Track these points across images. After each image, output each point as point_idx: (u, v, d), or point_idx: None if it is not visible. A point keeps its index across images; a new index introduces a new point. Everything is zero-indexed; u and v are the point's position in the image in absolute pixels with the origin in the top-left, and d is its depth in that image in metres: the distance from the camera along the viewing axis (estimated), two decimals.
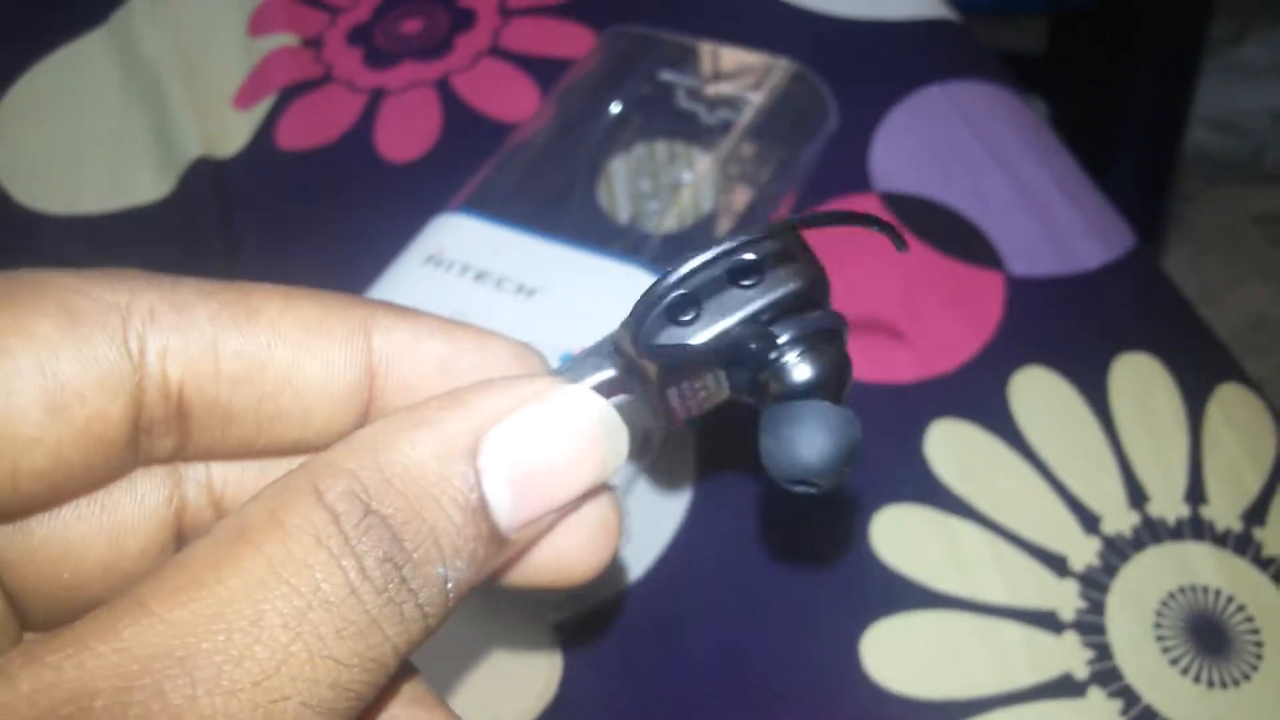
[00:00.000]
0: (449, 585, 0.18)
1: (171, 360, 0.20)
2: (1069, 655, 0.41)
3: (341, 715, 0.17)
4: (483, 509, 0.19)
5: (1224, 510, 0.44)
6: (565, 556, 0.22)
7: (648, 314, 0.21)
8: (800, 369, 0.21)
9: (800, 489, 0.21)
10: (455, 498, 0.19)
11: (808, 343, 0.21)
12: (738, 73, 0.58)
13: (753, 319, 0.21)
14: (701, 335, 0.21)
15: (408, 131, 0.61)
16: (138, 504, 0.21)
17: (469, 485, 0.19)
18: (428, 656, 0.21)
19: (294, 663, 0.16)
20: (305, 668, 0.16)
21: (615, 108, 0.57)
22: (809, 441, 0.20)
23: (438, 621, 0.18)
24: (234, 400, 0.21)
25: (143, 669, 0.15)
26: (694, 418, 0.24)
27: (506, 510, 0.19)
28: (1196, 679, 0.40)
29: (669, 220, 0.52)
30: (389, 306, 0.23)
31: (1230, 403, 0.46)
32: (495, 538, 0.19)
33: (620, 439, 0.22)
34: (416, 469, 0.18)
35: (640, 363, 0.22)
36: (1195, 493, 0.44)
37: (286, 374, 0.22)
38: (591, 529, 0.22)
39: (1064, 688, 0.40)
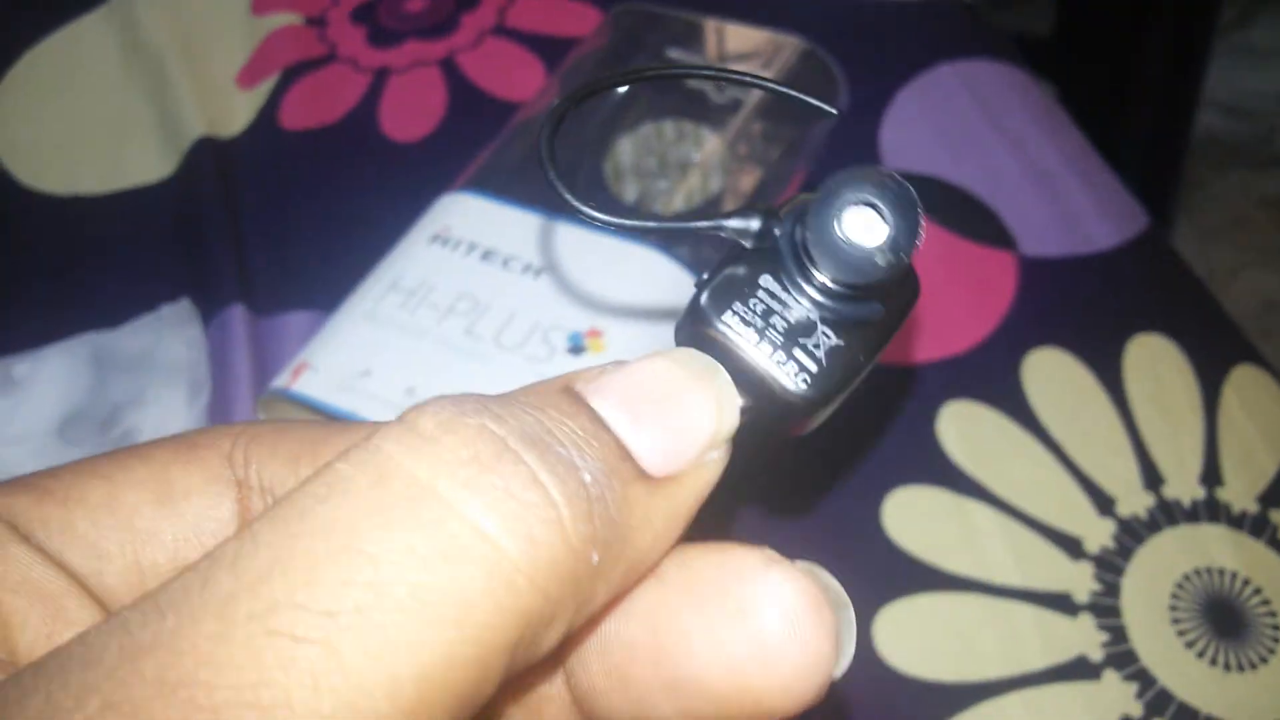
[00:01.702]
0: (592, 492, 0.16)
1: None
2: (1083, 638, 0.40)
3: None
4: (602, 427, 0.17)
5: (1240, 492, 0.43)
6: (756, 679, 0.17)
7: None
8: None
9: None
10: (565, 417, 0.17)
11: None
12: (746, 51, 0.58)
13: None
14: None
15: (412, 111, 0.60)
16: None
17: (574, 406, 0.17)
18: None
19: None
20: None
21: (622, 86, 0.56)
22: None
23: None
24: None
25: None
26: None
27: (627, 427, 0.17)
28: (1213, 662, 0.39)
29: (677, 200, 0.52)
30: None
31: (1246, 385, 0.46)
32: (634, 467, 0.17)
33: (725, 381, 0.19)
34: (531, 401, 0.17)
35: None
36: (1211, 475, 0.44)
37: None
38: (793, 624, 0.17)
39: (1078, 670, 0.39)
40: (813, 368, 0.20)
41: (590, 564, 0.16)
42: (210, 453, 0.21)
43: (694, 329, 0.21)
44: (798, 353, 0.20)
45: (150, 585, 0.20)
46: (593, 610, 0.17)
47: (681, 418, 0.18)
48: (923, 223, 0.20)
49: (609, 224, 0.22)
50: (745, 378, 0.20)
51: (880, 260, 0.19)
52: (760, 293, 0.21)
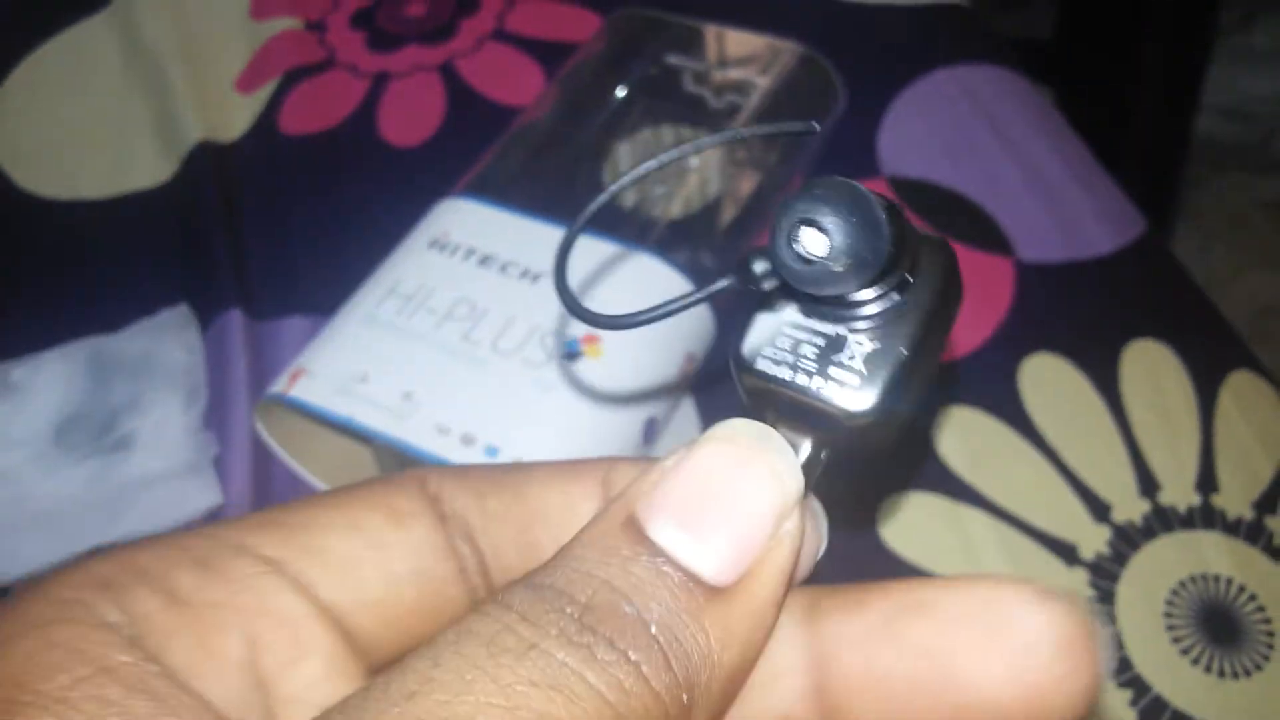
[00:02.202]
0: (673, 653, 0.17)
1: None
2: None
3: None
4: (662, 561, 0.18)
5: (1236, 499, 0.43)
6: (1032, 704, 0.18)
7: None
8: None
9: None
10: (627, 563, 0.18)
11: None
12: (745, 56, 0.58)
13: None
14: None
15: (411, 115, 0.60)
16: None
17: (633, 546, 0.18)
18: None
19: None
20: None
21: (621, 91, 0.56)
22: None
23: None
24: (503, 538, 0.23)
25: None
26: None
27: (687, 548, 0.18)
28: (1207, 669, 0.40)
29: (675, 205, 0.52)
30: (625, 461, 0.23)
31: (1242, 391, 0.46)
32: (703, 589, 0.18)
33: (779, 447, 0.19)
34: (585, 565, 0.18)
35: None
36: (1207, 481, 0.44)
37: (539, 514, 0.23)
38: (1070, 654, 0.18)
39: None
40: (854, 381, 0.20)
41: (682, 703, 0.17)
42: (411, 483, 0.23)
43: (741, 389, 0.21)
44: (834, 371, 0.20)
45: (393, 603, 0.22)
46: None
47: (741, 513, 0.18)
48: (877, 208, 0.19)
49: (631, 323, 0.22)
50: (803, 415, 0.20)
51: (838, 268, 0.19)
52: (785, 327, 0.21)
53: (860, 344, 0.20)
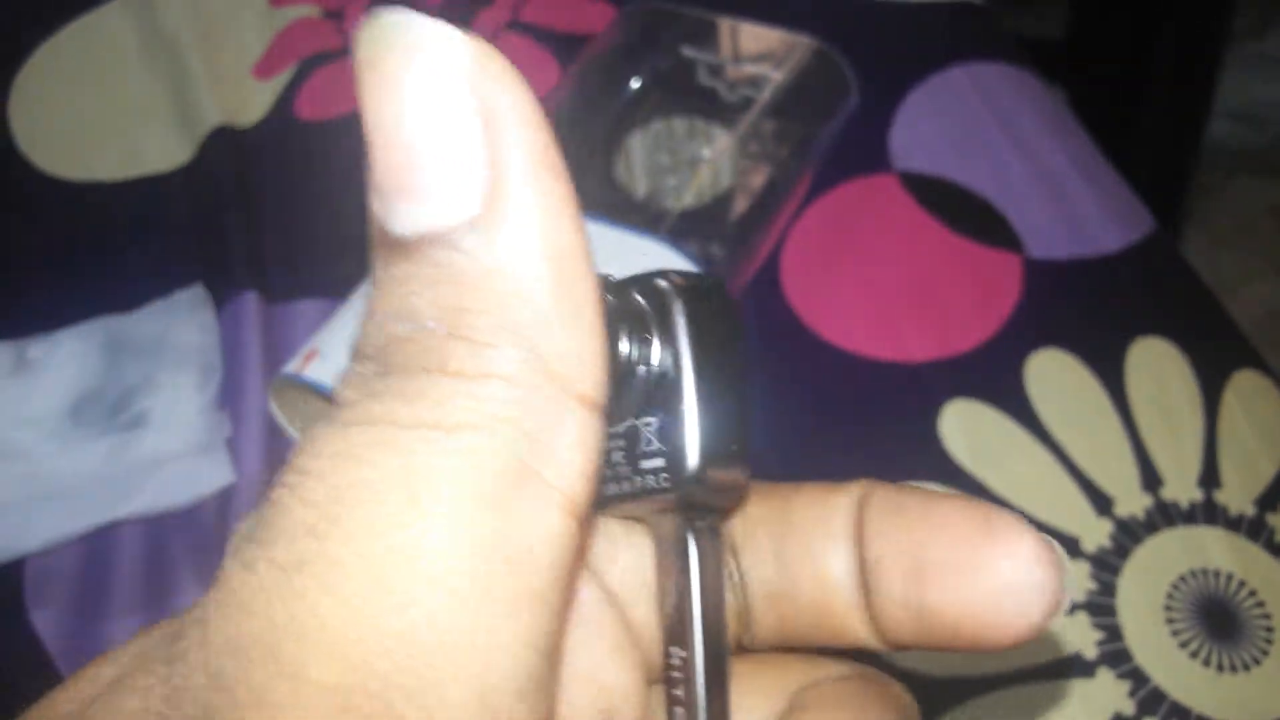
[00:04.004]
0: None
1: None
2: (1079, 636, 0.41)
3: None
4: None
5: (1238, 495, 0.43)
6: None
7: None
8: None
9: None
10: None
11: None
12: (759, 50, 0.58)
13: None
14: None
15: None
16: None
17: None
18: None
19: None
20: None
21: (635, 83, 0.57)
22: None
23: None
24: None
25: None
26: None
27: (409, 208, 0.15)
28: (1206, 662, 0.40)
29: (687, 196, 0.52)
30: (882, 485, 0.23)
31: (1246, 389, 0.46)
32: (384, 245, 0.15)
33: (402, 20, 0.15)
34: None
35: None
36: (1209, 477, 0.44)
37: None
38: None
39: (1073, 668, 0.40)
40: (660, 463, 0.19)
41: (515, 361, 0.14)
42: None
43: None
44: (644, 464, 0.19)
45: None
46: (582, 357, 0.15)
47: (429, 138, 0.15)
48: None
49: None
50: (656, 513, 0.20)
51: None
52: (607, 445, 0.20)
53: (649, 425, 0.19)
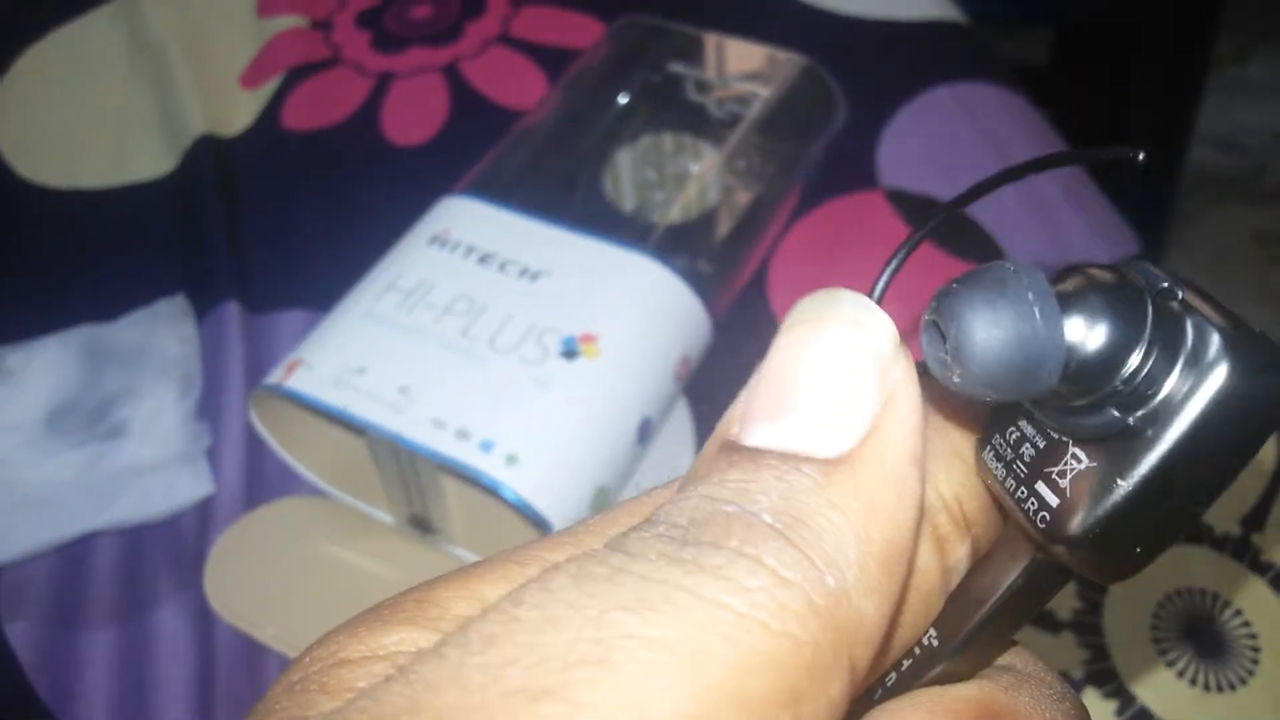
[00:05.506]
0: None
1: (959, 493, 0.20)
2: (1065, 655, 0.40)
3: None
4: (762, 457, 0.16)
5: (1223, 515, 0.43)
6: None
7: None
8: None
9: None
10: (723, 475, 0.16)
11: None
12: (748, 67, 0.58)
13: None
14: None
15: (415, 115, 0.61)
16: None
17: (729, 458, 0.16)
18: None
19: None
20: None
21: (623, 98, 0.57)
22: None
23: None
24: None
25: None
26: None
27: (784, 435, 0.16)
28: (1192, 682, 0.40)
29: (674, 211, 0.52)
30: None
31: None
32: (816, 465, 0.15)
33: (847, 299, 0.17)
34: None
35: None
36: None
37: None
38: None
39: None
40: (1053, 501, 0.16)
41: (827, 586, 0.14)
42: None
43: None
44: (1040, 486, 0.17)
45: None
46: (868, 635, 0.15)
47: (829, 377, 0.16)
48: (1033, 313, 0.15)
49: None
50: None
51: (957, 378, 0.16)
52: (1021, 418, 0.18)
53: (1077, 459, 0.16)
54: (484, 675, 0.13)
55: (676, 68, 0.58)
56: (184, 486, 0.47)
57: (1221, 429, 0.15)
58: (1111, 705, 0.39)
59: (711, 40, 0.59)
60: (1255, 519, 0.43)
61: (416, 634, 0.17)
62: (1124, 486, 0.16)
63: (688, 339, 0.47)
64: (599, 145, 0.55)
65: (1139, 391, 0.15)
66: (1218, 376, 0.15)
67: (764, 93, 0.56)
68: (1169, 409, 0.15)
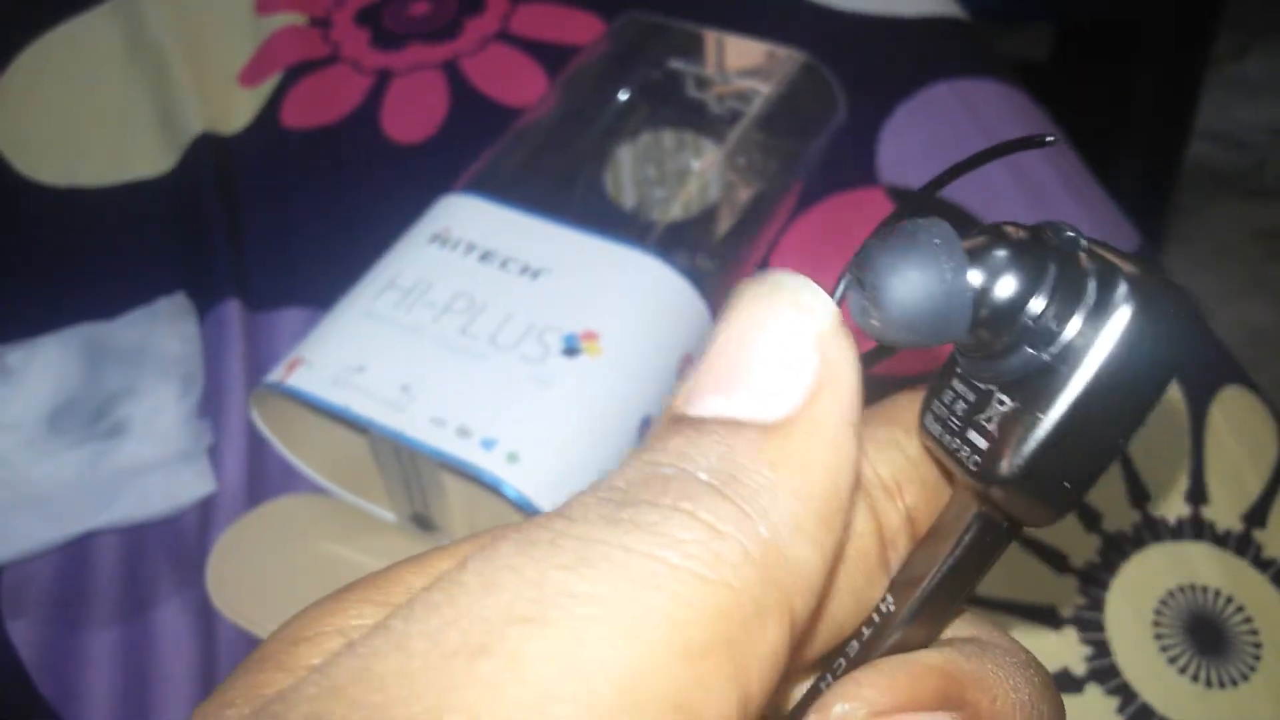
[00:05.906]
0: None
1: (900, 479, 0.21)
2: (1067, 651, 0.40)
3: None
4: (703, 423, 0.17)
5: (1225, 511, 0.43)
6: None
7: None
8: None
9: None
10: (665, 441, 0.17)
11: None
12: (747, 63, 0.58)
13: None
14: None
15: (414, 112, 0.61)
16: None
17: (674, 427, 0.17)
18: None
19: None
20: None
21: (623, 95, 0.57)
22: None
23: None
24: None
25: None
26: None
27: (726, 403, 0.17)
28: (1194, 678, 0.40)
29: (675, 208, 0.52)
30: None
31: (1233, 405, 0.46)
32: (753, 429, 0.16)
33: (793, 282, 0.17)
34: None
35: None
36: (1197, 493, 0.44)
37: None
38: None
39: (1061, 683, 0.40)
40: (983, 444, 0.18)
41: (760, 537, 0.15)
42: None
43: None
44: (971, 434, 0.18)
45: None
46: (806, 584, 0.16)
47: (772, 351, 0.17)
48: (942, 265, 0.16)
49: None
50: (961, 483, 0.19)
51: (891, 333, 0.17)
52: (954, 379, 0.19)
53: (1002, 402, 0.17)
54: (425, 641, 0.14)
55: (676, 64, 0.58)
56: (185, 485, 0.47)
57: (1131, 362, 0.16)
58: (1113, 702, 0.39)
59: (711, 37, 0.59)
60: (1257, 515, 0.43)
61: (374, 611, 0.17)
62: (1044, 420, 0.17)
63: (689, 336, 0.47)
64: (599, 142, 0.55)
65: (1049, 330, 0.17)
66: (1124, 313, 0.16)
67: (764, 89, 0.56)
68: (1081, 346, 0.16)
